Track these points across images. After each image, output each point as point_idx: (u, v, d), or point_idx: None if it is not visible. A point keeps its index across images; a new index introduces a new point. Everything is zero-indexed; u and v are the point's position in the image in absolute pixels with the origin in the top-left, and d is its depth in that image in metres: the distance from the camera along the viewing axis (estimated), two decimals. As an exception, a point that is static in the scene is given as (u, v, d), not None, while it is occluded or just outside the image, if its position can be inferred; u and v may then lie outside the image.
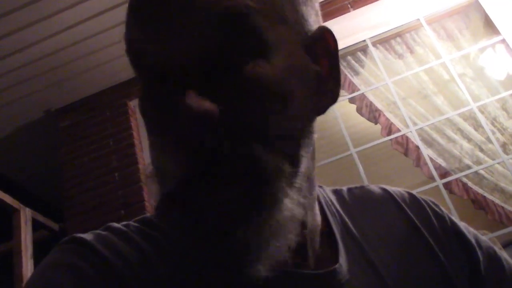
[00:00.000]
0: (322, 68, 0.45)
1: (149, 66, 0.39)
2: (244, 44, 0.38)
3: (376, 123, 2.29)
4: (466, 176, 2.10)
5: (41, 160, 2.81)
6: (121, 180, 2.26)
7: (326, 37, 0.46)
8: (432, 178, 2.04)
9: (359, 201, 0.57)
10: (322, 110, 0.46)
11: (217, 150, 0.36)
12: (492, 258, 0.54)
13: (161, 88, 0.39)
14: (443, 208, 0.57)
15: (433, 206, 0.57)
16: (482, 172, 2.11)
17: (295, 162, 0.40)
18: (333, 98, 0.46)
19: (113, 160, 2.34)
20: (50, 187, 2.92)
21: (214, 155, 0.36)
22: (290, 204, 0.38)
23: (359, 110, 2.33)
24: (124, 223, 0.47)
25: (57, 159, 2.45)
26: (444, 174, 2.12)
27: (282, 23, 0.41)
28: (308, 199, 0.45)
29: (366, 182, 1.97)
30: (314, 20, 0.46)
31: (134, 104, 2.48)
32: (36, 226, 2.35)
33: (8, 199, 2.18)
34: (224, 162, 0.36)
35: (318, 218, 0.50)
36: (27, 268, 2.12)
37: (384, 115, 2.27)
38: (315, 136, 0.46)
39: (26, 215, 2.27)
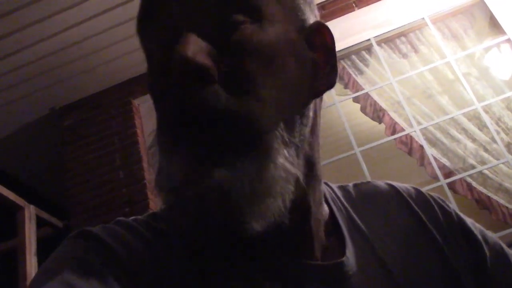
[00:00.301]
0: (318, 57, 0.48)
1: (159, 22, 0.43)
2: (240, 8, 0.41)
3: (380, 122, 2.29)
4: (470, 176, 2.09)
5: (46, 158, 2.82)
6: (125, 178, 2.27)
7: (323, 32, 0.49)
8: (436, 178, 2.04)
9: (365, 196, 0.57)
10: (318, 93, 0.48)
11: (212, 102, 0.38)
12: (499, 254, 0.54)
13: (166, 44, 0.41)
14: (450, 204, 0.57)
15: (440, 202, 0.57)
16: (486, 172, 2.10)
17: (288, 126, 0.41)
18: (329, 83, 0.48)
19: (117, 158, 2.34)
20: (54, 185, 2.93)
21: (209, 106, 0.38)
22: (283, 161, 0.39)
23: (363, 110, 2.33)
24: (132, 217, 0.48)
25: (61, 156, 2.46)
26: (448, 173, 2.11)
27: (278, 4, 0.45)
28: (309, 181, 0.46)
29: (370, 181, 1.97)
30: (309, 14, 0.49)
31: (138, 103, 2.49)
32: (40, 223, 2.35)
33: (12, 196, 2.19)
34: (218, 113, 0.38)
35: (325, 211, 0.51)
36: (31, 265, 2.13)
37: (388, 114, 2.27)
38: (317, 121, 0.48)
39: (30, 213, 2.28)
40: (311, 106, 0.47)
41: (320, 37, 0.49)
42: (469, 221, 0.57)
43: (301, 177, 0.42)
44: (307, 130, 0.45)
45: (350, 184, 0.59)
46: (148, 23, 0.45)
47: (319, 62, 0.48)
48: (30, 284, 0.39)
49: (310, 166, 0.47)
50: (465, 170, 2.10)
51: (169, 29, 0.42)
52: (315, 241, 0.46)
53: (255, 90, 0.40)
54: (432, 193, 0.59)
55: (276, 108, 0.41)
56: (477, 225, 0.57)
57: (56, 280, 0.37)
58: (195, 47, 0.38)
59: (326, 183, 0.57)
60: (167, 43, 0.41)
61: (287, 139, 0.41)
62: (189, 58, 0.37)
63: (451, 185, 2.07)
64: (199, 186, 0.36)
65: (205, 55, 0.39)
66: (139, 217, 0.48)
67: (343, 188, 0.58)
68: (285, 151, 0.40)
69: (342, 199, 0.56)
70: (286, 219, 0.38)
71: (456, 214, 0.56)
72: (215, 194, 0.36)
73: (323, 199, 0.51)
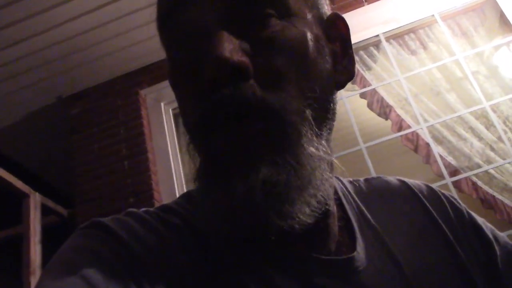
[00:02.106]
0: (336, 48, 0.49)
1: (186, 18, 0.43)
2: (269, 3, 0.42)
3: (386, 118, 2.28)
4: (476, 175, 2.08)
5: (52, 146, 2.83)
6: (131, 169, 2.28)
7: (338, 23, 0.50)
8: (441, 176, 2.03)
9: (376, 191, 0.57)
10: (340, 85, 0.49)
11: (250, 97, 0.38)
12: (510, 253, 0.54)
13: (197, 38, 0.42)
14: (461, 202, 0.57)
15: (451, 199, 0.57)
16: (492, 171, 2.09)
17: (318, 118, 0.43)
18: (349, 75, 0.50)
19: (123, 148, 2.35)
20: (60, 173, 2.94)
21: (247, 101, 0.38)
22: (317, 151, 0.40)
23: (370, 105, 2.32)
24: (144, 209, 0.48)
25: (67, 145, 2.47)
26: (453, 172, 2.11)
27: (303, 1, 0.46)
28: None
29: (375, 178, 1.96)
30: (325, 6, 0.51)
31: (145, 93, 2.49)
32: (45, 211, 2.37)
33: (18, 183, 2.20)
34: (256, 107, 0.39)
35: (334, 205, 0.51)
36: (35, 252, 2.14)
37: (395, 111, 2.25)
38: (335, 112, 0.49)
39: (36, 200, 2.29)
40: (335, 98, 0.48)
41: (336, 29, 0.50)
42: (480, 219, 0.56)
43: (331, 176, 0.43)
44: (332, 119, 0.46)
45: (361, 179, 0.59)
46: (172, 20, 0.44)
47: (338, 53, 0.49)
48: (43, 273, 0.39)
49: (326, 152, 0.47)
50: (470, 169, 2.09)
51: (197, 27, 0.42)
52: (330, 235, 0.46)
53: (288, 84, 0.41)
54: (443, 190, 0.59)
55: (308, 101, 0.41)
56: (488, 224, 0.57)
57: (69, 272, 0.37)
58: (229, 45, 0.39)
59: (337, 177, 0.57)
60: (197, 41, 0.41)
61: (317, 130, 0.42)
62: (227, 57, 0.38)
63: (456, 184, 2.06)
64: (247, 180, 0.37)
65: (240, 52, 0.39)
66: (150, 209, 0.48)
67: (353, 183, 0.58)
68: (319, 141, 0.41)
69: (353, 193, 0.56)
70: (330, 206, 0.40)
71: (468, 212, 0.56)
72: (263, 189, 0.37)
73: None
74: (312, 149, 0.40)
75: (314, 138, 0.41)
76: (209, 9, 0.41)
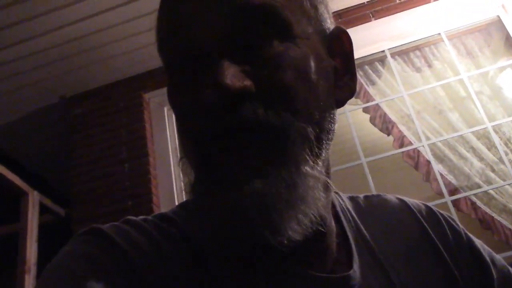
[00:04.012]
0: (338, 63, 0.49)
1: (186, 41, 0.42)
2: (271, 25, 0.42)
3: (388, 134, 2.28)
4: (475, 195, 2.08)
5: (53, 145, 2.83)
6: (130, 171, 2.27)
7: (341, 38, 0.50)
8: (440, 194, 2.03)
9: (375, 209, 0.57)
10: (341, 102, 0.49)
11: (251, 116, 0.39)
12: (507, 277, 0.54)
13: (197, 62, 0.42)
14: (459, 224, 0.57)
15: (450, 220, 0.57)
16: (491, 192, 2.09)
17: (318, 137, 0.43)
18: (350, 92, 0.50)
19: (124, 151, 2.35)
20: (59, 172, 2.94)
21: (248, 120, 0.39)
22: (313, 170, 0.40)
23: (372, 120, 2.33)
24: (142, 217, 0.48)
25: (68, 145, 2.47)
26: (453, 191, 2.10)
27: (305, 17, 0.46)
28: (327, 195, 0.46)
29: (374, 192, 1.96)
30: (329, 21, 0.50)
31: (148, 97, 2.49)
32: (42, 210, 2.36)
33: (18, 181, 2.20)
34: (257, 126, 0.39)
35: (332, 222, 0.51)
36: (31, 251, 2.14)
37: (397, 127, 2.26)
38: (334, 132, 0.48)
39: (34, 199, 2.29)
40: (335, 118, 0.47)
41: (340, 43, 0.50)
42: (478, 242, 0.56)
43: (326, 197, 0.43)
44: (331, 139, 0.46)
45: (361, 196, 0.59)
46: (173, 42, 0.44)
47: (339, 68, 0.49)
48: (42, 276, 0.39)
49: (328, 174, 0.47)
50: (470, 189, 2.09)
51: (199, 50, 0.42)
52: (327, 252, 0.46)
53: (290, 104, 0.41)
54: (442, 211, 0.59)
55: (308, 120, 0.41)
56: (486, 247, 0.57)
57: (69, 279, 0.37)
58: (231, 71, 0.39)
59: (336, 193, 0.57)
60: (198, 65, 0.42)
61: (316, 150, 0.42)
62: (228, 84, 0.38)
63: (455, 203, 2.06)
64: (239, 192, 0.37)
65: (241, 76, 0.39)
66: (148, 217, 0.48)
67: (353, 199, 0.58)
68: (315, 161, 0.41)
69: (352, 210, 0.56)
70: (319, 226, 0.40)
71: (465, 233, 0.56)
72: (254, 201, 0.37)
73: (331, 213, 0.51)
74: (308, 168, 0.40)
75: (311, 158, 0.41)
76: (210, 32, 0.41)
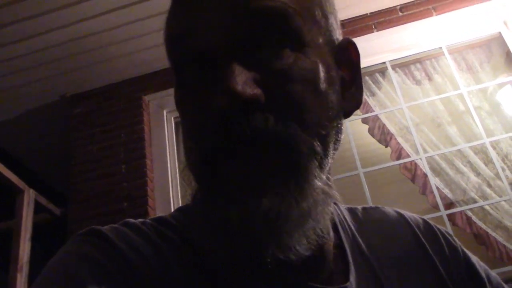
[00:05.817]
0: (344, 74, 0.49)
1: (197, 44, 0.42)
2: (282, 34, 0.41)
3: (386, 146, 2.29)
4: (471, 210, 2.08)
5: (51, 144, 2.82)
6: (127, 173, 2.27)
7: (349, 49, 0.50)
8: (436, 207, 2.03)
9: (373, 221, 0.57)
10: (347, 113, 0.49)
11: (261, 126, 0.38)
12: (502, 295, 0.54)
13: (207, 64, 0.41)
14: (456, 239, 0.57)
15: (447, 236, 0.57)
16: (487, 207, 2.09)
17: (325, 149, 0.42)
18: (356, 103, 0.50)
19: (122, 152, 2.34)
20: (56, 171, 2.93)
21: (258, 130, 0.38)
22: (321, 184, 0.40)
23: (371, 131, 2.33)
24: (140, 220, 0.48)
25: (67, 144, 2.47)
26: (449, 204, 2.11)
27: (315, 26, 0.45)
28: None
29: (370, 204, 1.96)
30: (338, 31, 0.50)
31: (149, 99, 2.49)
32: (37, 208, 2.35)
33: (14, 178, 2.19)
34: (267, 137, 0.38)
35: (331, 233, 0.51)
36: (24, 249, 2.13)
37: (395, 139, 2.26)
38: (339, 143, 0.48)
39: (29, 197, 2.28)
40: (342, 129, 0.48)
41: (348, 55, 0.50)
42: (474, 258, 0.57)
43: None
44: (336, 149, 0.46)
45: (359, 207, 0.59)
46: (183, 45, 0.43)
47: (346, 79, 0.49)
48: (40, 276, 0.39)
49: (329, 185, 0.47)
50: (466, 203, 2.09)
51: (209, 55, 0.41)
52: (325, 263, 0.46)
53: (299, 116, 0.40)
54: (439, 226, 0.59)
55: (317, 132, 0.41)
56: (482, 263, 0.57)
57: (68, 280, 0.37)
58: (242, 78, 0.38)
59: (335, 203, 0.57)
60: (209, 70, 0.41)
61: (324, 163, 0.42)
62: (239, 91, 0.37)
63: (450, 217, 2.06)
64: (246, 208, 0.37)
65: (252, 84, 0.39)
66: (147, 220, 0.48)
67: (351, 211, 0.59)
68: (322, 174, 0.41)
69: (349, 221, 0.56)
70: (324, 239, 0.39)
71: (462, 249, 0.56)
72: (262, 218, 0.36)
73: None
74: (317, 182, 0.40)
75: (320, 171, 0.40)
76: (222, 37, 0.40)
